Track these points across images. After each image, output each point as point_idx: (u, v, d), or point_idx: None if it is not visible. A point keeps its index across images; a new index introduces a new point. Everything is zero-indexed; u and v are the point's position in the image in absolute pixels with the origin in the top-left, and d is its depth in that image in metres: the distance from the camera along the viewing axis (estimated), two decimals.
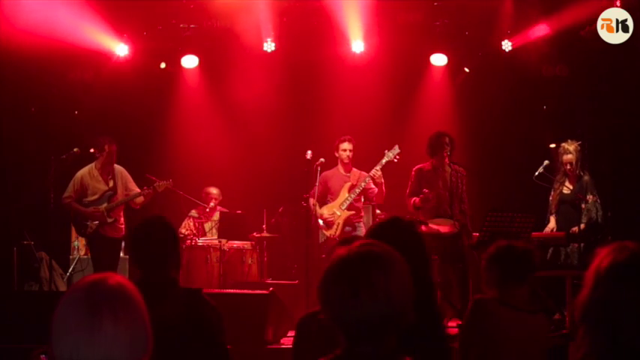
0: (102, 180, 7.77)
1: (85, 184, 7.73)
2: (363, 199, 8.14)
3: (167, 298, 3.13)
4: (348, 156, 7.99)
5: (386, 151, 7.81)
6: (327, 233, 7.91)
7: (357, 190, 7.89)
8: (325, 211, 7.97)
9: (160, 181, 7.83)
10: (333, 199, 8.01)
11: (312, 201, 7.99)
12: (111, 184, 7.75)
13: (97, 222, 7.63)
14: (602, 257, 1.82)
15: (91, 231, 7.66)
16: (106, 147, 7.69)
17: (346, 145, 7.99)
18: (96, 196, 7.71)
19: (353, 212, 7.93)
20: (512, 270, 3.59)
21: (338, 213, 7.89)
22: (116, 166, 7.85)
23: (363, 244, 1.84)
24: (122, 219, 7.86)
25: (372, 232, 2.83)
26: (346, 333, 1.78)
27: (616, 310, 1.74)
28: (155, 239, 3.23)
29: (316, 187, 7.99)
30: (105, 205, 7.68)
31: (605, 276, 1.78)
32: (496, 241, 7.00)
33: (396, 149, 7.80)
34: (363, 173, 7.96)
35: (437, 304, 2.67)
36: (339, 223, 7.87)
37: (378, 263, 1.78)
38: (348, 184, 7.97)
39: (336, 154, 8.07)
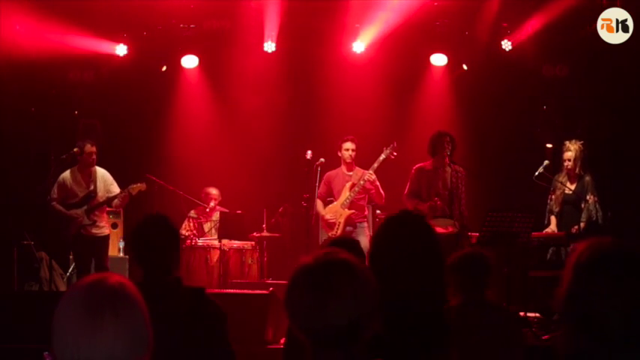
0: (83, 182, 7.74)
1: (68, 186, 7.70)
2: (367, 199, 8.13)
3: (171, 297, 3.10)
4: (350, 155, 7.99)
5: (384, 149, 7.82)
6: (329, 233, 7.92)
7: (357, 189, 7.89)
8: (327, 211, 7.98)
9: (134, 185, 7.70)
10: (337, 199, 8.03)
11: (318, 202, 8.03)
12: (91, 186, 7.72)
13: (79, 223, 7.62)
14: (580, 252, 1.83)
15: (74, 233, 7.64)
16: (86, 149, 7.62)
17: (349, 145, 8.00)
18: (77, 199, 7.70)
19: (354, 211, 7.93)
20: (472, 276, 3.89)
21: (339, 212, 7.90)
22: (98, 168, 7.80)
23: (326, 252, 1.84)
24: (104, 221, 7.85)
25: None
26: (315, 340, 1.77)
27: (594, 305, 1.75)
28: (157, 237, 3.18)
29: (321, 188, 8.03)
30: (85, 207, 7.67)
31: (582, 270, 1.79)
32: (495, 240, 7.07)
33: (393, 145, 7.79)
34: (365, 172, 7.96)
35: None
36: (340, 223, 7.87)
37: (344, 271, 1.77)
38: (349, 184, 7.98)
39: (339, 154, 8.08)
